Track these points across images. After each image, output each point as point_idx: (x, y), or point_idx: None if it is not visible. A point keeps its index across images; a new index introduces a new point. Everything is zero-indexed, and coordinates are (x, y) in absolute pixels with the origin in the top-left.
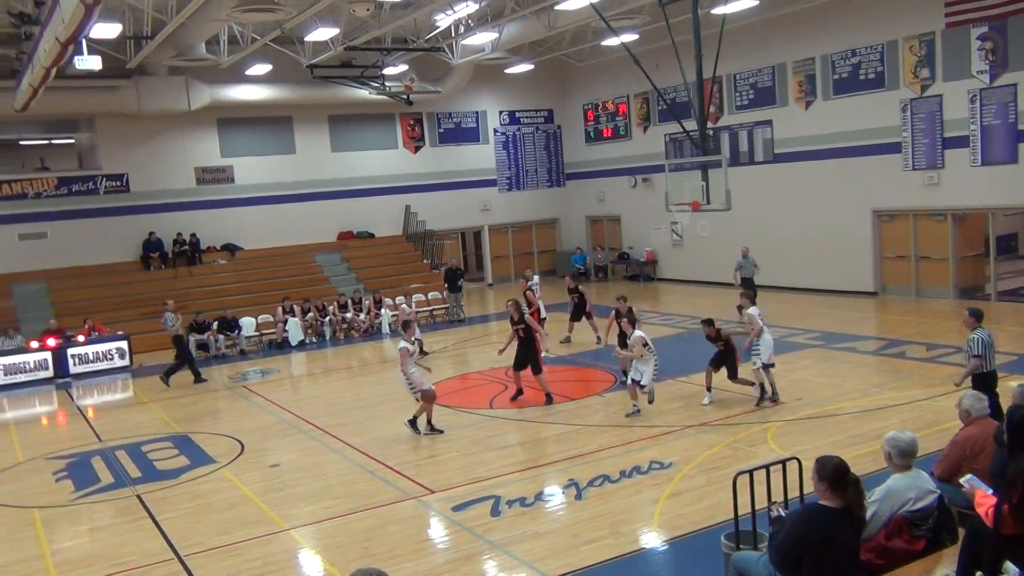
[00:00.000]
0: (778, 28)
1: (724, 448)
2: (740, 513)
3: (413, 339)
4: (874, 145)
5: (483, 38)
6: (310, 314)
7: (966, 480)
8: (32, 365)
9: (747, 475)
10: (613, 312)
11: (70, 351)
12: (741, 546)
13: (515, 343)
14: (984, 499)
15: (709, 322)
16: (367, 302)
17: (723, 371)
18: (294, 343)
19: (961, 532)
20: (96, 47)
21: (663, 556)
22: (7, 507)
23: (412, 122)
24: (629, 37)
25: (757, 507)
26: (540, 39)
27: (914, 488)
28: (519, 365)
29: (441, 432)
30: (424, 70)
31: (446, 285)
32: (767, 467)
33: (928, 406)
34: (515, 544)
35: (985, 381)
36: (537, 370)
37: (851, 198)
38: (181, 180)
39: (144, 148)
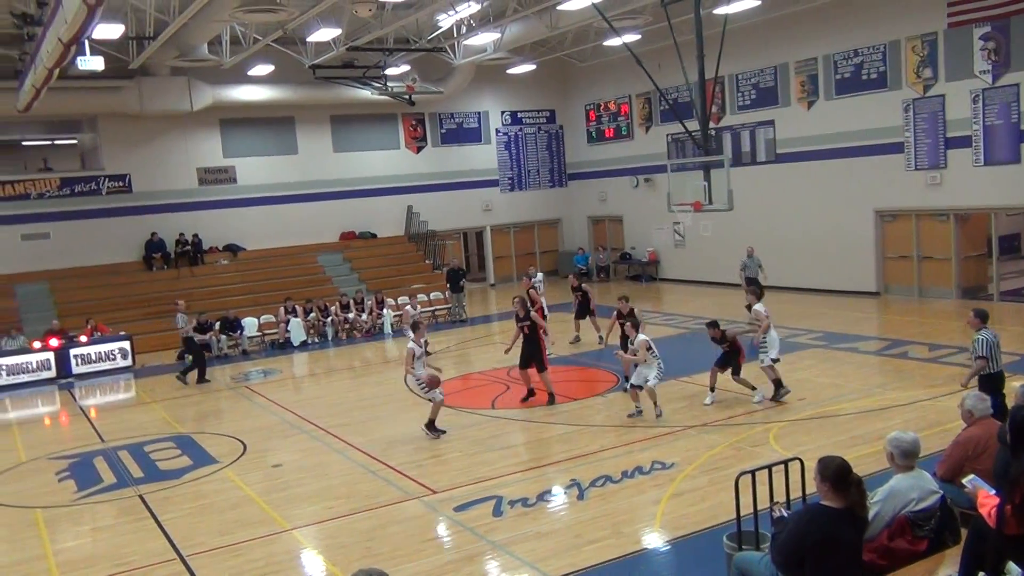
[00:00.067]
0: (780, 28)
1: (726, 448)
2: (742, 513)
3: (422, 340)
4: (876, 145)
5: (485, 38)
6: (312, 314)
7: (969, 480)
8: (35, 365)
9: (749, 475)
10: (615, 313)
11: (73, 351)
12: (743, 546)
13: (519, 342)
14: (987, 499)
15: (714, 324)
16: (369, 302)
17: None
18: (296, 343)
19: (964, 533)
20: (99, 48)
21: (665, 556)
22: (10, 507)
23: (414, 122)
24: (631, 37)
25: (759, 507)
26: (542, 39)
27: (917, 488)
28: (524, 363)
29: (443, 432)
30: (426, 70)
31: (448, 285)
32: (769, 467)
33: (930, 406)
34: (517, 544)
35: (992, 382)
36: (542, 368)
37: (853, 198)
38: (183, 180)
39: (146, 148)
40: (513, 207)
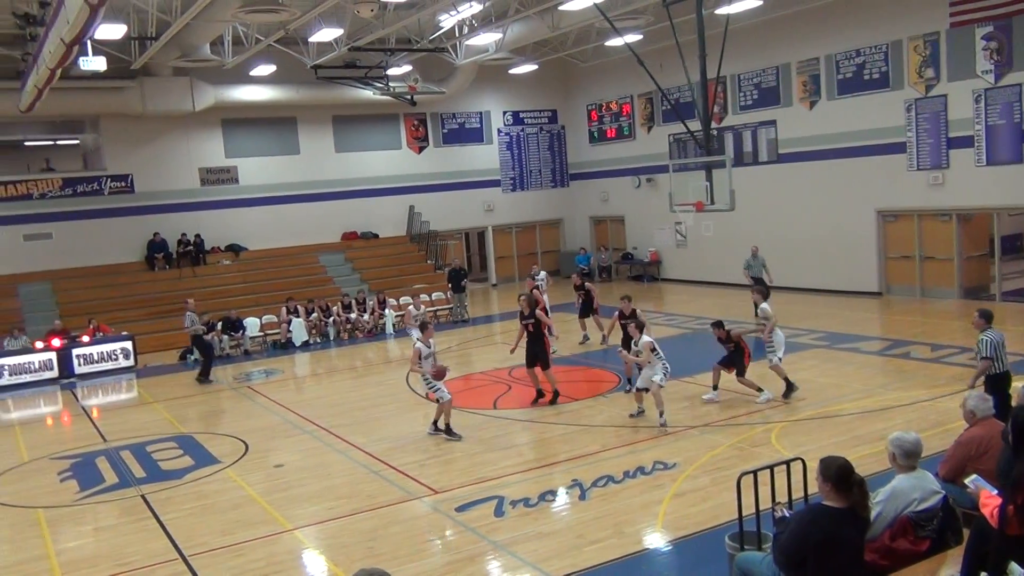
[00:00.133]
0: (782, 28)
1: (728, 449)
2: (744, 514)
3: (430, 340)
4: (878, 145)
5: (487, 38)
6: (314, 314)
7: (971, 481)
8: (37, 365)
9: (751, 476)
10: (616, 313)
11: (75, 351)
12: (745, 547)
13: (524, 341)
14: (989, 500)
15: (719, 324)
16: (371, 302)
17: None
18: (298, 343)
19: (966, 533)
20: (101, 48)
21: (667, 557)
22: (12, 507)
23: (416, 122)
24: (633, 37)
25: (761, 508)
26: (544, 39)
27: (919, 489)
28: (531, 362)
29: (460, 436)
30: (428, 70)
31: (450, 285)
32: (771, 467)
33: (932, 407)
34: (519, 545)
35: (998, 382)
36: (546, 365)
37: (855, 198)
38: (185, 181)
39: (149, 149)
40: (515, 207)
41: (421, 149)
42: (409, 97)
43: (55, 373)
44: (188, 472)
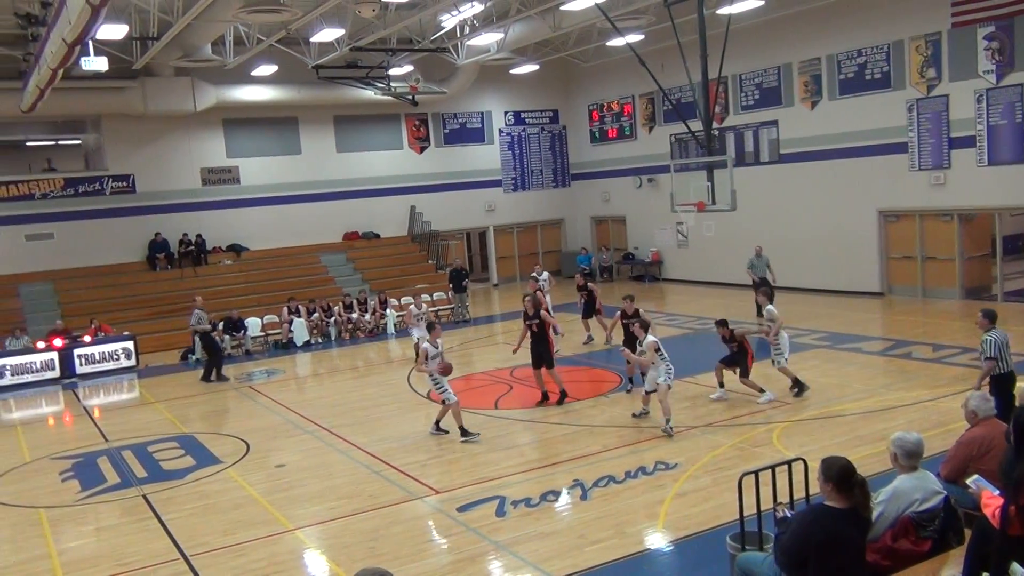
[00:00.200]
0: (784, 28)
1: (729, 449)
2: (746, 514)
3: (438, 340)
4: (880, 145)
5: (488, 39)
6: (315, 314)
7: (973, 481)
8: (39, 365)
9: (753, 476)
10: (618, 312)
11: (76, 351)
12: (746, 547)
13: (527, 343)
14: (991, 500)
15: (723, 323)
16: (372, 302)
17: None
18: (299, 343)
19: (967, 533)
20: (102, 48)
21: (668, 557)
22: (13, 507)
23: (417, 123)
24: (634, 37)
25: (763, 508)
26: (545, 39)
27: (920, 489)
28: (537, 363)
29: (446, 432)
30: (429, 71)
31: (451, 285)
32: (773, 468)
33: (934, 407)
34: (520, 545)
35: (1002, 383)
36: (550, 365)
37: (857, 198)
38: (187, 181)
39: (150, 149)
40: (516, 207)
41: (422, 149)
42: (410, 97)
43: (57, 373)
44: (189, 472)
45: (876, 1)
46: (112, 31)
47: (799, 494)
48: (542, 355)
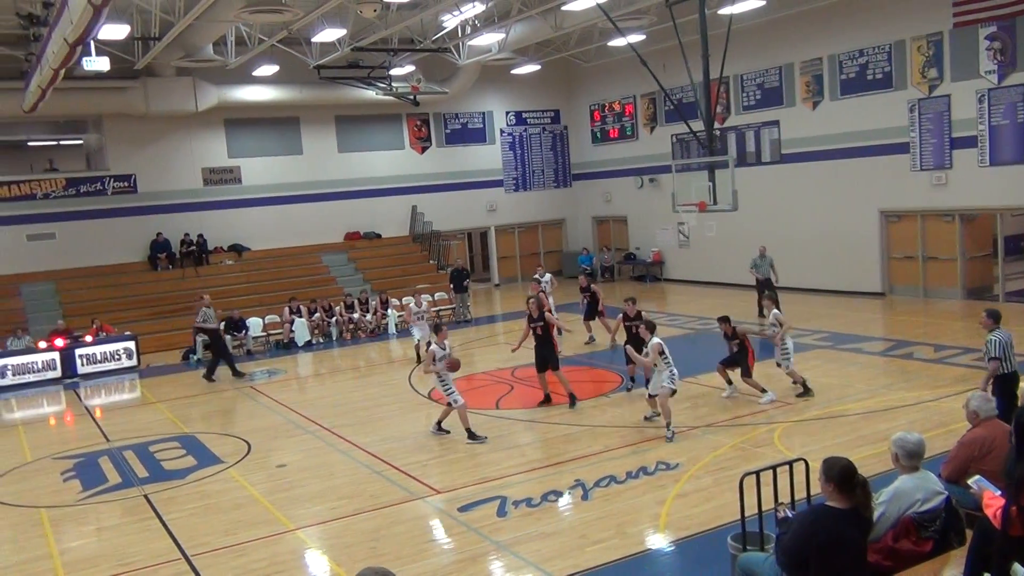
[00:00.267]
0: (785, 28)
1: (731, 449)
2: (747, 514)
3: (445, 342)
4: (882, 145)
5: (490, 39)
6: (317, 314)
7: (974, 481)
8: (40, 365)
9: (754, 476)
10: (620, 315)
11: (78, 351)
12: (748, 547)
13: (528, 343)
14: (992, 500)
15: (725, 319)
16: (374, 303)
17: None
18: (301, 343)
19: (969, 534)
20: (104, 48)
21: (669, 557)
22: (15, 507)
23: (419, 123)
24: (636, 37)
25: (764, 508)
26: (547, 40)
27: (922, 489)
28: (541, 366)
29: (447, 432)
30: (431, 71)
31: (452, 286)
32: (774, 468)
33: (936, 407)
34: (521, 545)
35: (1005, 383)
36: (556, 366)
37: (858, 198)
38: (188, 181)
39: (152, 149)
40: (517, 207)
41: (424, 149)
42: (412, 97)
43: (58, 373)
44: (191, 472)
45: (878, 1)
46: (114, 31)
47: (800, 494)
48: (547, 358)
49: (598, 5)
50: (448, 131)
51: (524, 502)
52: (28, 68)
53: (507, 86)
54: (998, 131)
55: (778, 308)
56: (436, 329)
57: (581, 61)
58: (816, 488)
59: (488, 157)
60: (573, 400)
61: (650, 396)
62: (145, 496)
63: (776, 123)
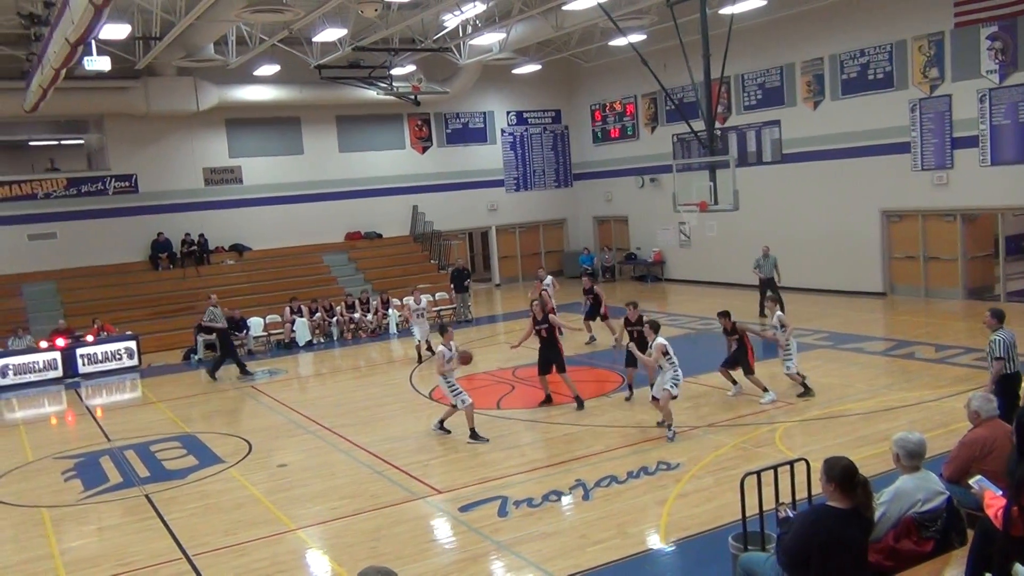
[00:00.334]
0: (786, 28)
1: (732, 449)
2: (748, 514)
3: (451, 343)
4: (883, 145)
5: (491, 38)
6: (318, 314)
7: (975, 481)
8: (41, 365)
9: (755, 476)
10: (623, 320)
11: (79, 351)
12: (749, 547)
13: (529, 344)
14: (993, 500)
15: (725, 314)
16: (375, 302)
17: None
18: (302, 343)
19: (970, 534)
20: (105, 48)
21: (670, 557)
22: (16, 506)
23: (420, 122)
24: (637, 37)
25: (765, 508)
26: (547, 39)
27: (923, 489)
28: (544, 368)
29: (448, 432)
30: (432, 70)
31: (453, 286)
32: (775, 468)
33: (937, 407)
34: (522, 545)
35: (1008, 383)
36: (562, 368)
37: (860, 198)
38: (189, 180)
39: (153, 149)
40: (518, 207)
41: (425, 149)
42: (413, 97)
43: (59, 373)
44: (192, 472)
45: (879, 1)
46: (115, 31)
47: (801, 494)
48: (550, 360)
49: (599, 5)
50: (449, 131)
51: (525, 502)
52: (29, 68)
53: (508, 86)
54: (999, 131)
55: (782, 310)
56: (442, 330)
57: (582, 61)
58: (817, 488)
59: (489, 157)
60: (580, 403)
61: (653, 399)
62: (146, 496)
63: (777, 123)
